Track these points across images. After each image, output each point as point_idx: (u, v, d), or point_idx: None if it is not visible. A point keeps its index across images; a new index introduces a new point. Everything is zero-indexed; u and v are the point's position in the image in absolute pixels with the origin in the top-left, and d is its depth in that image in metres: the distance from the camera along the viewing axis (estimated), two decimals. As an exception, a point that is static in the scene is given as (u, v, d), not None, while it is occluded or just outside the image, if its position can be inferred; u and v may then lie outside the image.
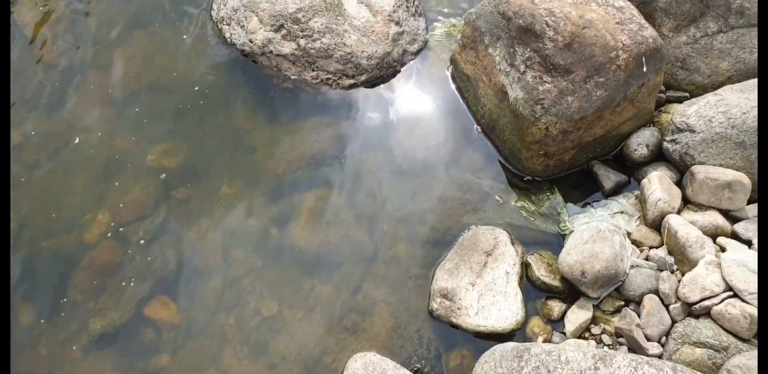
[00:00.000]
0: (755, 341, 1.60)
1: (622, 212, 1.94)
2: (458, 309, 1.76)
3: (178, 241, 2.01)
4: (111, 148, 2.23)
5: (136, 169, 2.18)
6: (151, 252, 1.99)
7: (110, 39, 2.58)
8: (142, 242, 2.02)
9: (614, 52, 1.81)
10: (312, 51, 2.34)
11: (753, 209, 1.89)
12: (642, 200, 1.94)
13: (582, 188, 2.07)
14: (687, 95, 2.18)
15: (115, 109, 2.35)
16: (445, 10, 2.62)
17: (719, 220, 1.84)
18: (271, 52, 2.39)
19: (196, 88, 2.39)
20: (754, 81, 1.95)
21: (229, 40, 2.50)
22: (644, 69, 1.88)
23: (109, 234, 2.03)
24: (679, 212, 1.90)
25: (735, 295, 1.65)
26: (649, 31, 1.87)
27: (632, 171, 2.10)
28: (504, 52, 2.00)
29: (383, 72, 2.42)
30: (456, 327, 1.78)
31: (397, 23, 2.44)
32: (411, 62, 2.47)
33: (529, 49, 1.89)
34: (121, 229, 2.04)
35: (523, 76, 1.92)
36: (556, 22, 1.81)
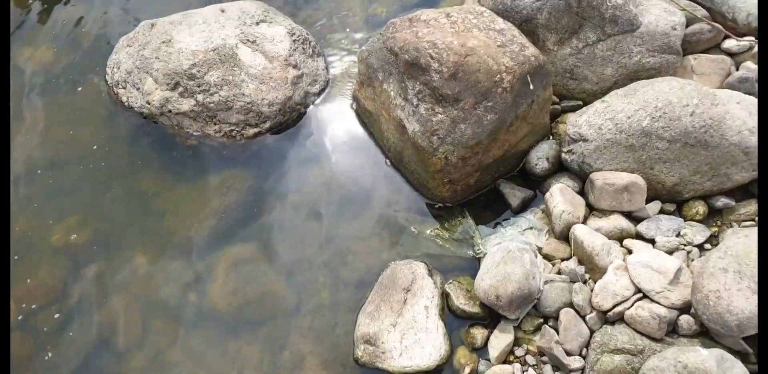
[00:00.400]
0: (669, 339, 1.65)
1: (531, 228, 1.99)
2: (382, 353, 1.75)
3: (93, 322, 1.92)
4: (12, 232, 2.13)
5: (41, 251, 2.09)
6: (65, 339, 1.89)
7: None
8: (53, 329, 1.92)
9: (498, 76, 1.87)
10: (211, 105, 2.33)
11: (653, 207, 1.97)
12: (548, 214, 2.00)
13: (492, 208, 2.12)
14: (580, 103, 2.26)
15: (14, 189, 2.25)
16: (344, 48, 2.66)
17: (623, 223, 1.91)
18: (170, 111, 2.36)
19: (98, 157, 2.33)
20: (635, 84, 2.06)
21: (126, 103, 2.45)
22: (531, 87, 1.95)
23: (17, 323, 1.91)
24: (585, 220, 1.96)
25: (644, 296, 1.70)
26: (531, 50, 1.95)
27: (537, 185, 2.16)
28: (397, 88, 2.05)
29: (287, 117, 2.43)
30: (384, 371, 1.76)
31: (295, 67, 2.46)
32: (315, 103, 2.50)
33: (418, 83, 1.94)
34: (28, 319, 1.93)
35: (417, 109, 1.97)
36: (439, 54, 1.86)
